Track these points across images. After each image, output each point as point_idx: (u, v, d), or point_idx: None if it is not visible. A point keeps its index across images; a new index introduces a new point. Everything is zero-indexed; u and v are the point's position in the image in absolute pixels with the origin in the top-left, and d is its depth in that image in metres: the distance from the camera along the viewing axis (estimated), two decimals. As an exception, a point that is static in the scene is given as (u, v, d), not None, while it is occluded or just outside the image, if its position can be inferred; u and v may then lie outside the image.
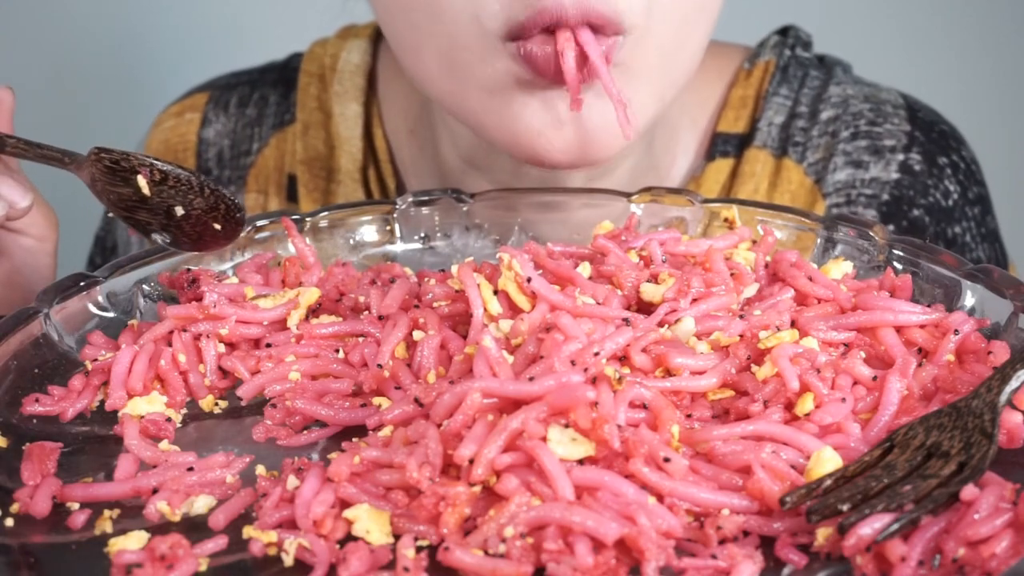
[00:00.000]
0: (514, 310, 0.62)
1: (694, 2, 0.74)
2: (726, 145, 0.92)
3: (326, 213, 0.77)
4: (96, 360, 0.66)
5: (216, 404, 0.65)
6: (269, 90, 0.99)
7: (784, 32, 0.96)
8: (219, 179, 0.97)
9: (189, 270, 0.70)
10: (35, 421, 0.63)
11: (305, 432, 0.62)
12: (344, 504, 0.54)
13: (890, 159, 0.91)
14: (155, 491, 0.57)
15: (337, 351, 0.65)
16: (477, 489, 0.53)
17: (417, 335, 0.64)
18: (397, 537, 0.53)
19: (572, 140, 0.73)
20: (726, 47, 0.96)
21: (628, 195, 0.77)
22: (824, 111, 0.92)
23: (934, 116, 0.95)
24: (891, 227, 0.90)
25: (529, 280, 0.61)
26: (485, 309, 0.62)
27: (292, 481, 0.55)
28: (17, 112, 0.74)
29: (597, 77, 0.69)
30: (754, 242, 0.71)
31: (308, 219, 0.76)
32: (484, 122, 0.75)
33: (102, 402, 0.64)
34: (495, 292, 0.63)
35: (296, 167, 0.96)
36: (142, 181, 0.68)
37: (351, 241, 0.77)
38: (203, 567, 0.53)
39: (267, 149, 0.97)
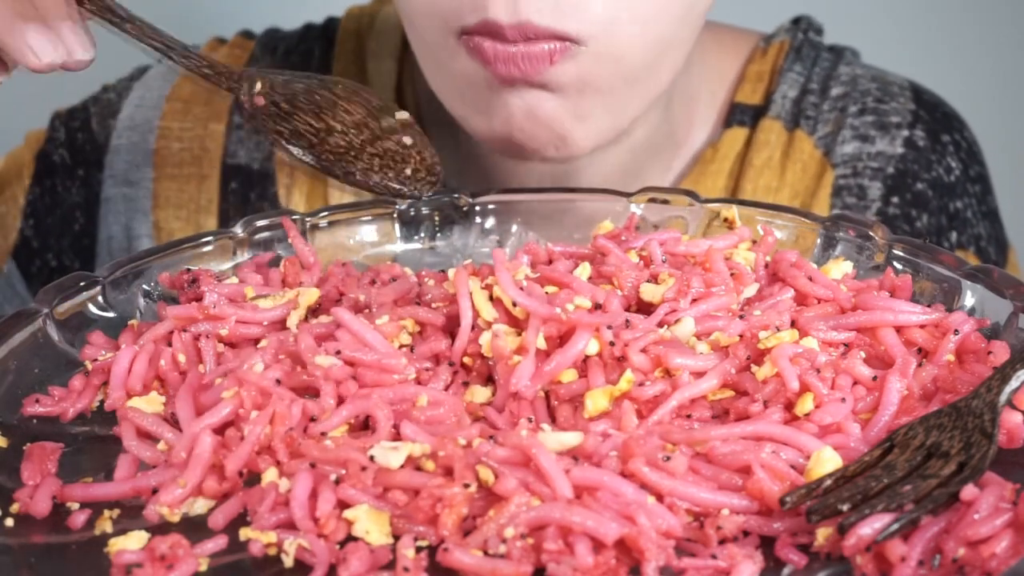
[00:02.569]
0: (509, 316, 0.62)
1: (666, 26, 0.76)
2: (743, 115, 0.95)
3: (326, 213, 0.77)
4: (96, 360, 0.66)
5: (216, 404, 0.65)
6: (313, 44, 1.01)
7: (797, 21, 1.00)
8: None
9: (189, 270, 0.70)
10: (35, 421, 0.63)
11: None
12: (343, 505, 0.54)
13: (895, 134, 0.95)
14: (154, 491, 0.57)
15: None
16: (473, 489, 0.53)
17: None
18: (397, 538, 0.53)
19: (531, 137, 0.77)
20: (742, 31, 1.00)
21: (628, 195, 0.78)
22: (834, 88, 0.96)
23: (938, 99, 0.99)
24: (896, 199, 0.94)
25: (515, 304, 0.61)
26: (479, 316, 0.62)
27: (284, 484, 0.55)
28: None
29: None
30: (754, 242, 0.71)
31: (308, 219, 0.76)
32: (458, 120, 0.81)
33: (102, 402, 0.64)
34: (491, 298, 0.63)
35: None
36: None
37: (351, 241, 0.77)
38: (203, 567, 0.53)
39: None
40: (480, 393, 0.62)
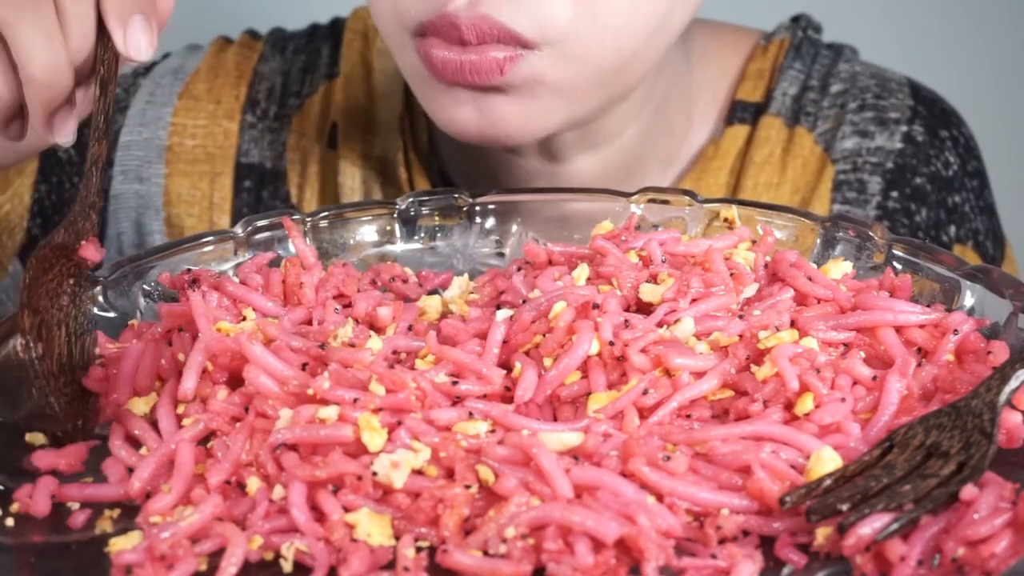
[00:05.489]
0: None
1: (635, 37, 0.77)
2: (744, 112, 0.96)
3: (326, 213, 0.77)
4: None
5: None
6: (321, 43, 1.02)
7: (796, 19, 1.00)
8: (264, 113, 1.00)
9: (190, 270, 0.70)
10: (35, 421, 0.62)
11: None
12: (343, 509, 0.54)
13: (894, 130, 0.96)
14: (148, 495, 0.57)
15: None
16: (474, 490, 0.53)
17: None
18: (399, 539, 0.53)
19: (478, 127, 0.78)
20: (742, 29, 1.00)
21: (628, 195, 0.78)
22: (834, 85, 0.97)
23: (936, 95, 1.00)
24: (895, 194, 0.94)
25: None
26: None
27: (278, 491, 0.55)
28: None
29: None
30: (754, 242, 0.71)
31: (308, 219, 0.76)
32: (418, 100, 0.82)
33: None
34: None
35: (338, 116, 0.99)
36: None
37: (351, 241, 0.77)
38: (203, 567, 0.52)
39: (315, 96, 1.00)
40: None
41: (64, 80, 0.61)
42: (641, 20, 0.76)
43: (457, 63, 0.74)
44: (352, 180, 0.96)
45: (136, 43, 0.61)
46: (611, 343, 0.60)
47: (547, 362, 0.61)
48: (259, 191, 0.97)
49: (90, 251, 0.61)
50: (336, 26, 1.03)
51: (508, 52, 0.74)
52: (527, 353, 0.62)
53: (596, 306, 0.62)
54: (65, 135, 0.62)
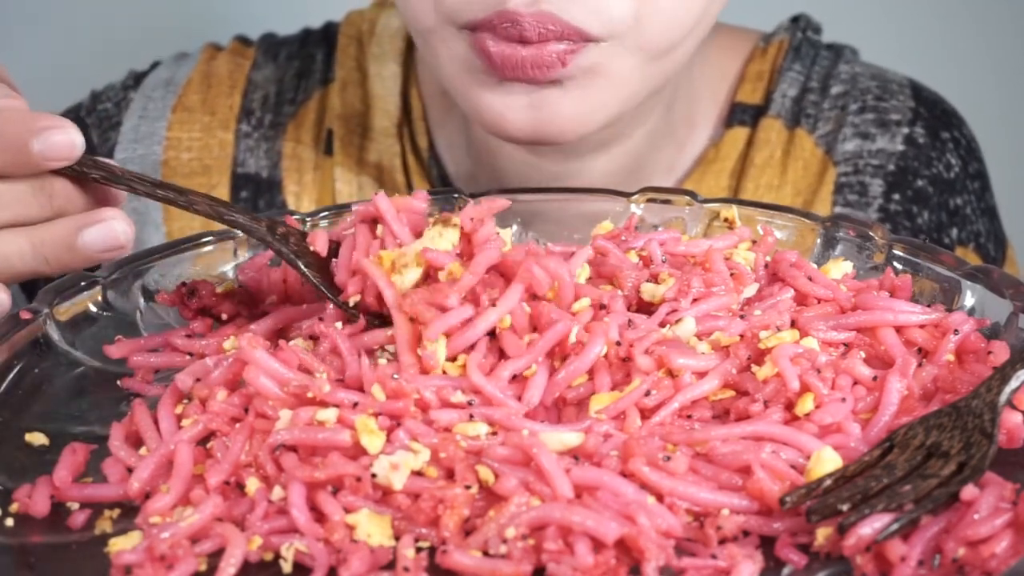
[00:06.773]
0: None
1: (688, 17, 0.77)
2: (744, 115, 0.96)
3: (326, 213, 0.77)
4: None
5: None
6: (314, 48, 1.02)
7: (795, 20, 1.01)
8: (259, 121, 0.99)
9: (185, 284, 0.70)
10: (37, 422, 0.62)
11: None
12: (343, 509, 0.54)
13: (896, 132, 0.96)
14: (148, 496, 0.57)
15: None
16: (474, 490, 0.53)
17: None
18: (399, 539, 0.53)
19: (531, 123, 0.77)
20: (742, 30, 1.00)
21: (628, 195, 0.78)
22: (834, 86, 0.97)
23: (937, 96, 1.00)
24: (897, 196, 0.94)
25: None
26: None
27: (277, 492, 0.55)
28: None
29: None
30: (754, 242, 0.71)
31: (308, 219, 0.76)
32: (455, 96, 0.80)
33: (102, 403, 0.64)
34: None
35: (333, 122, 0.98)
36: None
37: (351, 241, 0.77)
38: (203, 567, 0.52)
39: (310, 102, 0.99)
40: None
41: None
42: (690, 7, 0.76)
43: (518, 58, 0.73)
44: (349, 186, 0.96)
45: (56, 144, 0.60)
46: (618, 343, 0.60)
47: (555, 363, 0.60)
48: (256, 201, 0.97)
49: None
50: (329, 31, 1.02)
51: (569, 44, 0.73)
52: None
53: (603, 306, 0.62)
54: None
